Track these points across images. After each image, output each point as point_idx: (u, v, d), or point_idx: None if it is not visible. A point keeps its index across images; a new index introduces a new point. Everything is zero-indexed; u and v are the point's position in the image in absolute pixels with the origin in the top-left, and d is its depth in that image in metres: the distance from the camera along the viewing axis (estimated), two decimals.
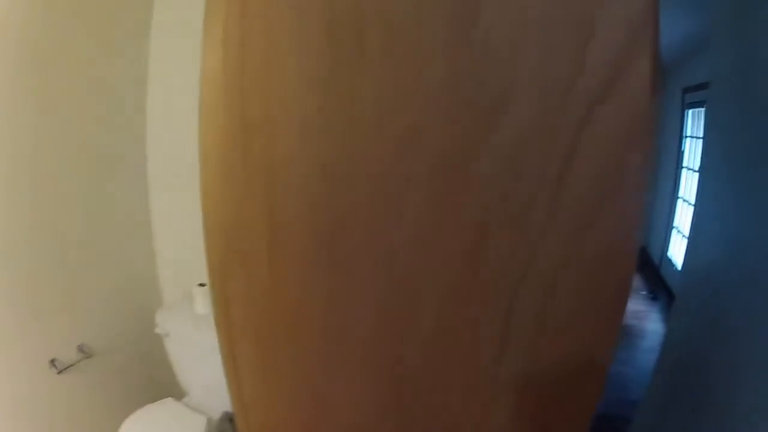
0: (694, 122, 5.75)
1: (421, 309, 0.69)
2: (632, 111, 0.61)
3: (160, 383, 2.62)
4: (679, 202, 6.03)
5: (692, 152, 5.72)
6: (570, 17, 0.59)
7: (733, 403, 1.45)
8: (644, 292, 5.80)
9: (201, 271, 2.25)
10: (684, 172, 5.97)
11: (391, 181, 0.64)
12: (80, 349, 2.21)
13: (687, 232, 5.40)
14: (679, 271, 5.35)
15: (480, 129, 0.61)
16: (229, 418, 2.32)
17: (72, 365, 2.15)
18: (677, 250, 5.90)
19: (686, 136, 5.97)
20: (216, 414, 2.31)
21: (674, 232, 6.11)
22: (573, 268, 0.66)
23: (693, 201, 5.39)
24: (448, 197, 0.64)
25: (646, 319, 5.15)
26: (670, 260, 6.05)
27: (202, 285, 2.32)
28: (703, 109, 5.25)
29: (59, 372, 2.10)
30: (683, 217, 5.83)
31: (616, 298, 0.69)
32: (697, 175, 5.31)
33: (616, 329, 0.70)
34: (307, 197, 0.67)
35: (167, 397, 2.38)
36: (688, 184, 5.77)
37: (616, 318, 0.70)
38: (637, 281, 6.17)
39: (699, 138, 5.46)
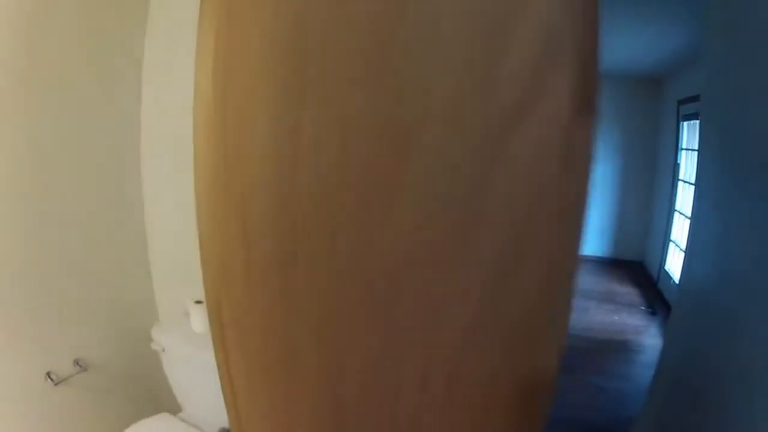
0: (690, 134, 5.78)
1: (351, 348, 0.71)
2: (549, 138, 0.57)
3: (156, 398, 2.62)
4: (676, 215, 6.05)
5: (688, 165, 5.76)
6: (485, 33, 0.55)
7: (729, 415, 1.45)
8: (643, 307, 5.81)
9: (197, 287, 2.27)
10: (681, 185, 5.99)
11: (323, 212, 0.65)
12: (76, 362, 2.22)
13: (684, 246, 5.42)
14: (677, 284, 5.37)
15: (397, 159, 0.60)
16: None
17: (68, 378, 2.16)
18: (675, 264, 5.91)
19: (682, 149, 6.01)
20: (212, 430, 2.32)
21: (672, 245, 6.13)
22: (491, 317, 0.65)
23: (689, 214, 5.41)
24: (372, 231, 0.64)
25: (645, 334, 5.16)
26: (667, 274, 6.07)
27: (198, 302, 2.33)
28: (698, 121, 5.28)
29: (55, 384, 2.11)
30: (680, 230, 5.85)
31: (537, 357, 0.68)
32: (693, 188, 5.34)
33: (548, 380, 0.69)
34: (265, 230, 0.69)
35: (163, 411, 2.39)
36: (685, 197, 5.80)
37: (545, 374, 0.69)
38: (635, 296, 6.19)
39: (695, 150, 5.48)
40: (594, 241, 7.79)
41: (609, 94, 7.16)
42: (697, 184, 2.18)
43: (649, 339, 5.08)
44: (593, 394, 3.91)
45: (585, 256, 7.70)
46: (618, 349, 4.77)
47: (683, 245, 5.54)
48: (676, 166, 6.10)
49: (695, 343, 1.87)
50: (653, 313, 5.63)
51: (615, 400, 3.91)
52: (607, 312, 5.67)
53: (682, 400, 1.87)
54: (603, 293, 6.30)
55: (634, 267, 7.35)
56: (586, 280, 6.85)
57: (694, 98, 5.37)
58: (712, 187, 1.91)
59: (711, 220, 1.90)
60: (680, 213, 5.91)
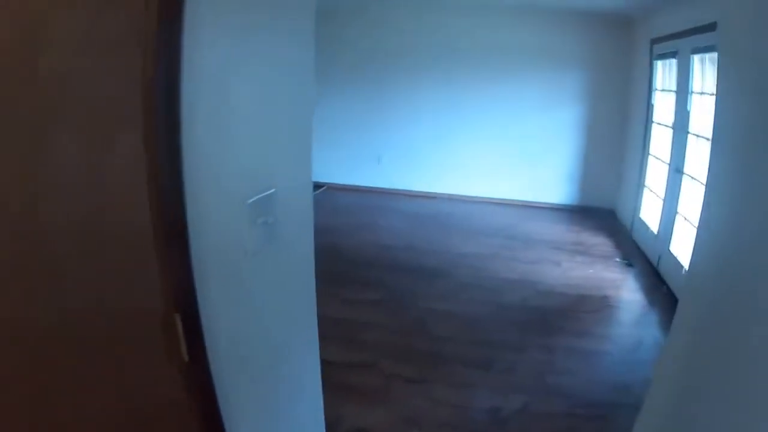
0: (665, 74, 5.61)
1: None
2: None
3: None
4: (650, 159, 5.93)
5: (663, 106, 5.63)
6: None
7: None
8: (618, 259, 5.67)
9: None
10: (655, 127, 5.87)
11: None
12: None
13: (660, 193, 5.26)
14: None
15: None
16: None
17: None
18: (649, 212, 5.79)
19: (655, 89, 5.86)
20: None
21: (646, 192, 6.01)
22: None
23: (664, 158, 5.25)
24: None
25: (623, 288, 5.05)
26: (643, 223, 6.00)
27: None
28: (674, 60, 5.06)
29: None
30: (655, 176, 5.70)
31: None
32: (670, 131, 5.16)
33: None
34: None
35: None
36: (659, 141, 5.68)
37: None
38: (608, 247, 6.08)
39: (670, 91, 5.28)
40: (562, 189, 7.67)
41: (579, 32, 7.02)
42: (715, 143, 1.85)
43: (628, 293, 4.99)
44: (581, 360, 3.74)
45: (553, 204, 7.63)
46: (597, 306, 4.62)
47: (660, 192, 5.38)
48: (649, 108, 5.94)
49: (710, 328, 1.61)
50: (629, 265, 5.52)
51: (600, 365, 3.75)
52: (581, 265, 5.54)
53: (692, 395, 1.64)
54: (574, 244, 6.19)
55: (605, 215, 7.27)
56: (556, 230, 6.74)
57: (668, 37, 5.22)
58: (733, 141, 1.63)
59: (732, 188, 1.62)
60: (655, 157, 5.79)
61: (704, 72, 4.43)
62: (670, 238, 4.99)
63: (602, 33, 6.95)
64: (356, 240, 6.11)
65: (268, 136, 1.42)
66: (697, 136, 4.51)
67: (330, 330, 3.70)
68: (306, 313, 1.87)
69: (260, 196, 1.35)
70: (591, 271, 5.37)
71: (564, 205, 7.66)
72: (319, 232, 6.37)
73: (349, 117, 8.08)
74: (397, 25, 7.52)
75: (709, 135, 4.09)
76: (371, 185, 8.26)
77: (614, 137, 7.22)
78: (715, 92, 3.70)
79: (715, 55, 4.07)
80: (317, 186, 8.11)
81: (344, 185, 8.35)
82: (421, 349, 3.79)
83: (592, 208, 7.47)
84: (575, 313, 4.47)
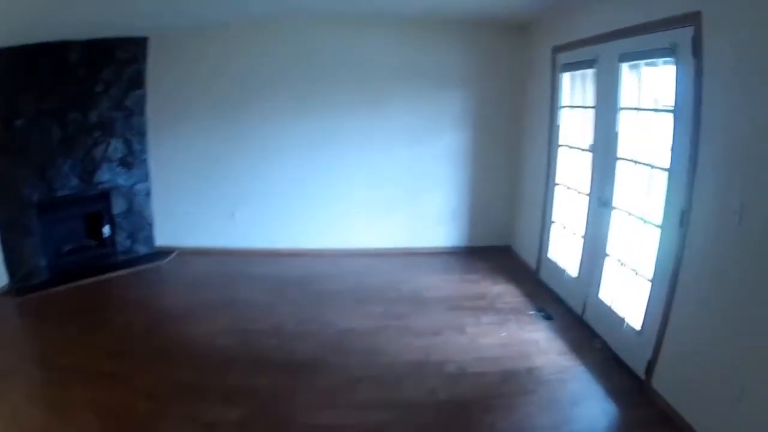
0: (576, 88, 4.97)
1: None
2: None
3: None
4: (558, 189, 5.28)
5: (573, 126, 5.00)
6: None
7: None
8: (532, 311, 4.89)
9: None
10: (562, 151, 5.22)
11: None
12: None
13: (578, 229, 4.51)
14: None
15: None
16: None
17: None
18: (564, 251, 5.17)
19: (561, 107, 5.20)
20: None
21: (554, 227, 5.39)
22: None
23: (579, 188, 4.56)
24: None
25: (550, 351, 4.21)
26: (552, 263, 5.35)
27: None
28: (591, 70, 4.42)
29: None
30: (567, 208, 5.09)
31: None
32: (587, 156, 4.45)
33: None
34: None
35: None
36: (570, 167, 5.04)
37: None
38: (515, 296, 5.32)
39: (585, 107, 4.68)
40: (448, 228, 6.89)
41: (462, 43, 6.32)
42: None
43: (557, 357, 4.13)
44: None
45: (439, 248, 6.87)
46: (526, 384, 3.71)
47: (577, 229, 4.67)
48: (554, 129, 5.30)
49: None
50: (548, 318, 4.78)
51: None
52: (491, 327, 4.65)
53: None
54: (475, 299, 5.30)
55: (500, 254, 6.62)
56: (449, 282, 5.86)
57: (579, 43, 4.62)
58: None
59: None
60: (566, 187, 5.14)
61: (641, 83, 3.76)
62: (599, 283, 4.29)
63: (490, 43, 6.30)
64: (212, 327, 4.76)
65: None
66: (635, 162, 3.82)
67: None
68: None
69: None
70: (504, 333, 4.50)
71: (452, 247, 6.88)
72: (168, 319, 4.96)
73: (192, 166, 6.72)
74: (242, 54, 6.35)
75: (648, 160, 3.47)
76: (227, 245, 6.95)
77: (508, 164, 6.59)
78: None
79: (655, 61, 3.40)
80: (166, 252, 6.79)
81: (197, 248, 6.94)
82: None
83: (485, 248, 6.77)
84: (502, 399, 3.53)
